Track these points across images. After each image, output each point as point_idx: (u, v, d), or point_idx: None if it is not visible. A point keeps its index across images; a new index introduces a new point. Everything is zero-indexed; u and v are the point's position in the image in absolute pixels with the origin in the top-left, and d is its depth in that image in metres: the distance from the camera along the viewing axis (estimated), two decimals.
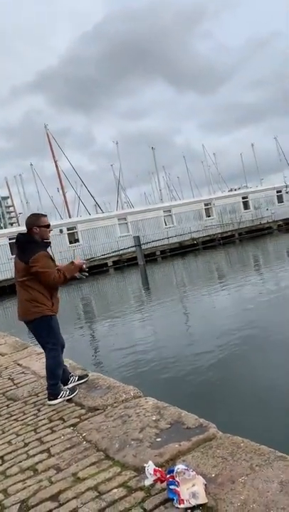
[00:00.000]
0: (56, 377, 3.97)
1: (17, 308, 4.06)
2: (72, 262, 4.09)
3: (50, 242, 4.13)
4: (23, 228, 4.88)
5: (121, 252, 30.25)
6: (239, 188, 45.03)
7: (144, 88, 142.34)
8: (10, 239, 26.98)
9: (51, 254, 4.10)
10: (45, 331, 3.97)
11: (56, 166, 42.10)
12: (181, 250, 32.89)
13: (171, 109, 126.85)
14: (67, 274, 3.91)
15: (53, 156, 41.94)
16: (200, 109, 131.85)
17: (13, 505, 2.44)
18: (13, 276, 4.19)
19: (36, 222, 3.98)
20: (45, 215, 4.14)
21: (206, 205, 36.69)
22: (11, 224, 67.88)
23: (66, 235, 30.45)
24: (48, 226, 4.06)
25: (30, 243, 3.92)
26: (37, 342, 4.28)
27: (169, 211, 34.96)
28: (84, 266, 4.13)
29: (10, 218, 78.49)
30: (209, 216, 36.48)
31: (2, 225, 62.11)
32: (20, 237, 4.05)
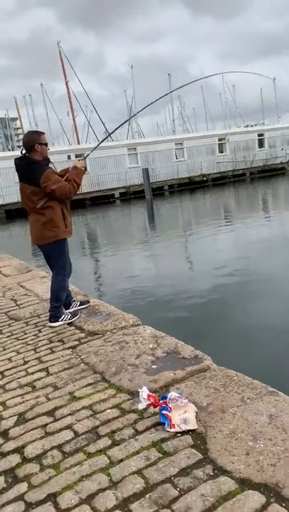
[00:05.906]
0: (60, 300, 4.03)
1: (30, 232, 4.03)
2: (74, 167, 4.01)
3: (49, 160, 3.96)
4: None
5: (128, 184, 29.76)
6: (256, 125, 43.22)
7: (159, 9, 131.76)
8: None
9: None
10: (56, 255, 4.00)
11: (67, 87, 40.15)
12: (190, 186, 32.33)
13: (186, 34, 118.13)
14: (78, 179, 3.92)
15: (65, 77, 39.93)
16: (217, 37, 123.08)
17: (10, 416, 2.54)
18: (20, 200, 4.12)
19: (38, 139, 3.83)
20: (44, 133, 3.97)
21: (220, 140, 35.45)
22: (19, 147, 66.16)
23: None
24: (47, 144, 3.92)
25: (33, 164, 3.79)
26: (44, 265, 4.30)
27: (181, 144, 33.89)
28: (84, 164, 4.08)
29: (18, 141, 76.46)
30: (222, 152, 35.41)
31: (10, 147, 60.48)
32: (19, 162, 3.87)
